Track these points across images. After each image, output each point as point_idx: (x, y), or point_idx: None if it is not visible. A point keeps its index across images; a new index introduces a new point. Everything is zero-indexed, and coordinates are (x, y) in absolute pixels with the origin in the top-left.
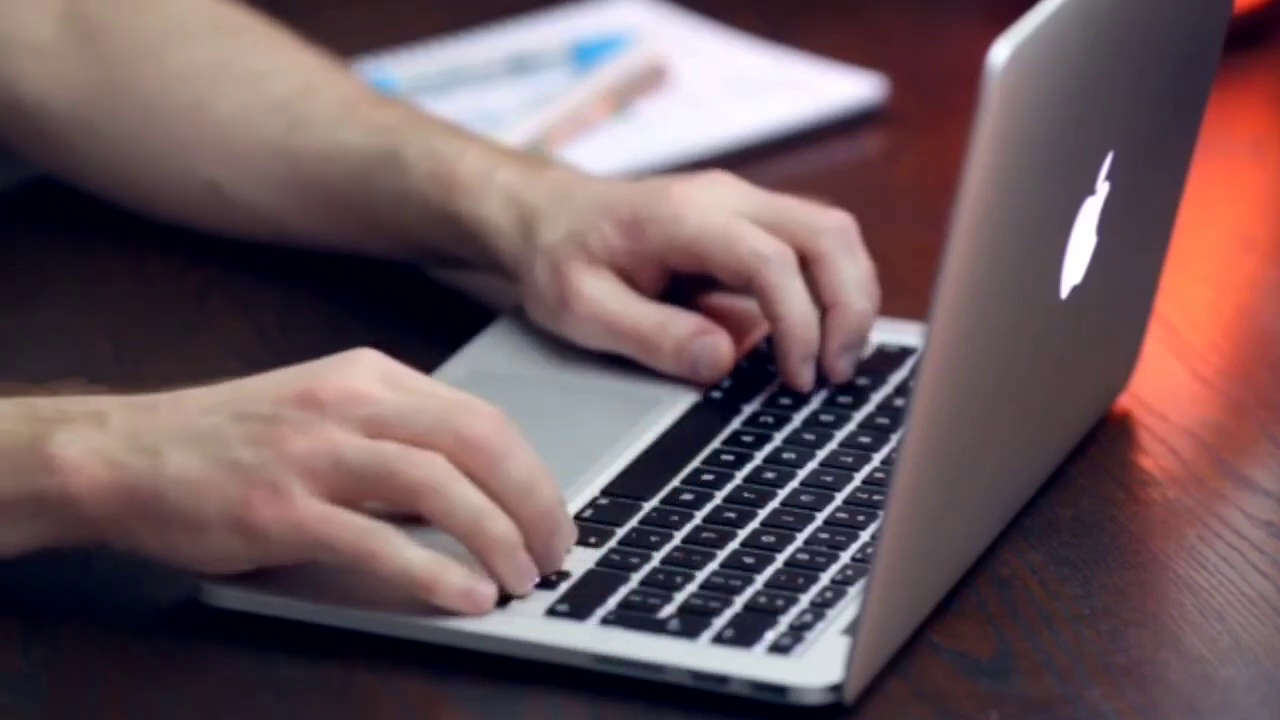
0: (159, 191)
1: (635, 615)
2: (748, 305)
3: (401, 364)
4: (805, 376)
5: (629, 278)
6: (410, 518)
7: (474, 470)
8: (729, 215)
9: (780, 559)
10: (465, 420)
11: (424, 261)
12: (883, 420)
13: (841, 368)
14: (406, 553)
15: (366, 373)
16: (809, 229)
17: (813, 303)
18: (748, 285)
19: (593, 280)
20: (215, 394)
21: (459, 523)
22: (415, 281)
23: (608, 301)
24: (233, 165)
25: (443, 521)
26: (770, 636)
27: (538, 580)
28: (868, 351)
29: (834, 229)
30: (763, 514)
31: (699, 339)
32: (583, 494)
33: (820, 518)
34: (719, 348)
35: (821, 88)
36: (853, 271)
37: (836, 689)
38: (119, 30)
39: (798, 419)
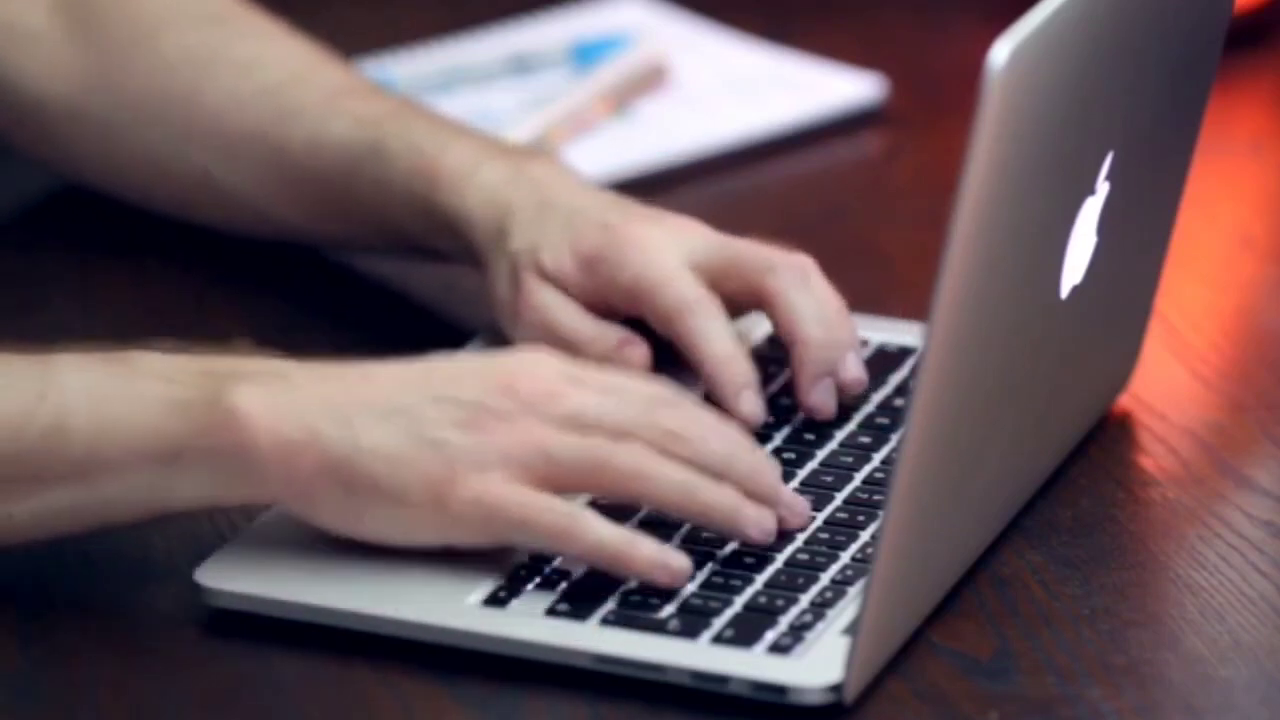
0: (153, 179)
1: (635, 615)
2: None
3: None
4: (743, 409)
5: (583, 303)
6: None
7: (677, 455)
8: (671, 265)
9: (780, 559)
10: (660, 412)
11: (403, 254)
12: (883, 420)
13: (815, 401)
14: (601, 529)
15: (554, 370)
16: (759, 269)
17: (741, 342)
18: (673, 337)
19: (543, 290)
20: (407, 372)
21: (673, 499)
22: (414, 283)
23: (552, 311)
24: (223, 153)
25: (657, 502)
26: (770, 636)
27: (775, 530)
28: (864, 354)
29: (785, 266)
30: None
31: (619, 350)
32: (583, 494)
33: (820, 518)
34: (633, 357)
35: (821, 88)
36: (807, 305)
37: (836, 689)
38: (111, 18)
39: (798, 419)
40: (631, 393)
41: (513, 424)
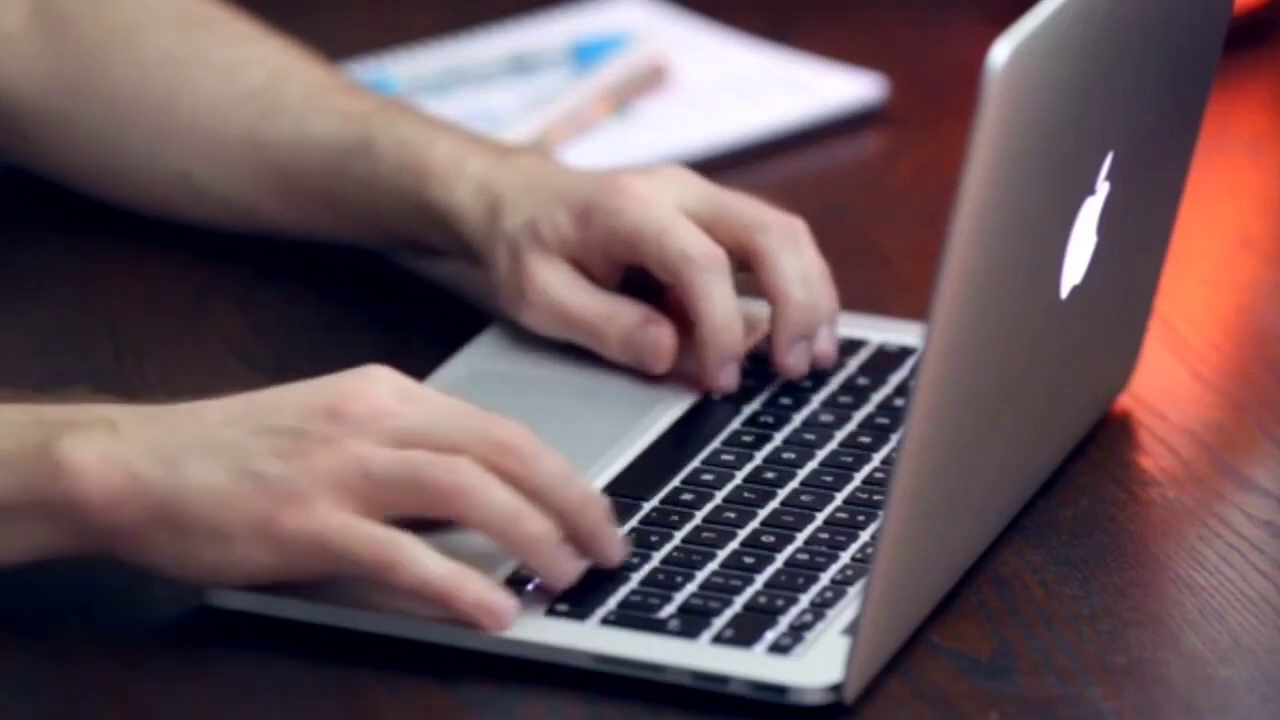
0: (130, 181)
1: (635, 615)
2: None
3: (412, 379)
4: (721, 380)
5: (582, 267)
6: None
7: (506, 470)
8: (669, 211)
9: (780, 559)
10: (494, 426)
11: (393, 249)
12: (883, 420)
13: (791, 362)
14: (427, 563)
15: (386, 389)
16: (750, 227)
17: (740, 306)
18: (675, 284)
19: (547, 268)
20: (232, 406)
21: (494, 523)
22: (415, 281)
23: (559, 290)
24: (204, 155)
25: (478, 523)
26: (770, 636)
27: (583, 572)
28: (865, 353)
29: (776, 226)
30: (763, 514)
31: (643, 329)
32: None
33: (820, 518)
34: (661, 337)
35: (821, 88)
36: (794, 265)
37: (836, 689)
38: (88, 20)
39: (798, 419)
40: (467, 411)
41: (334, 446)
